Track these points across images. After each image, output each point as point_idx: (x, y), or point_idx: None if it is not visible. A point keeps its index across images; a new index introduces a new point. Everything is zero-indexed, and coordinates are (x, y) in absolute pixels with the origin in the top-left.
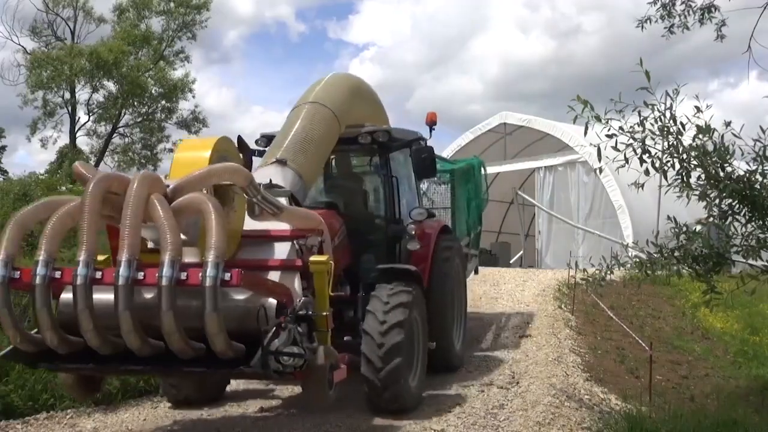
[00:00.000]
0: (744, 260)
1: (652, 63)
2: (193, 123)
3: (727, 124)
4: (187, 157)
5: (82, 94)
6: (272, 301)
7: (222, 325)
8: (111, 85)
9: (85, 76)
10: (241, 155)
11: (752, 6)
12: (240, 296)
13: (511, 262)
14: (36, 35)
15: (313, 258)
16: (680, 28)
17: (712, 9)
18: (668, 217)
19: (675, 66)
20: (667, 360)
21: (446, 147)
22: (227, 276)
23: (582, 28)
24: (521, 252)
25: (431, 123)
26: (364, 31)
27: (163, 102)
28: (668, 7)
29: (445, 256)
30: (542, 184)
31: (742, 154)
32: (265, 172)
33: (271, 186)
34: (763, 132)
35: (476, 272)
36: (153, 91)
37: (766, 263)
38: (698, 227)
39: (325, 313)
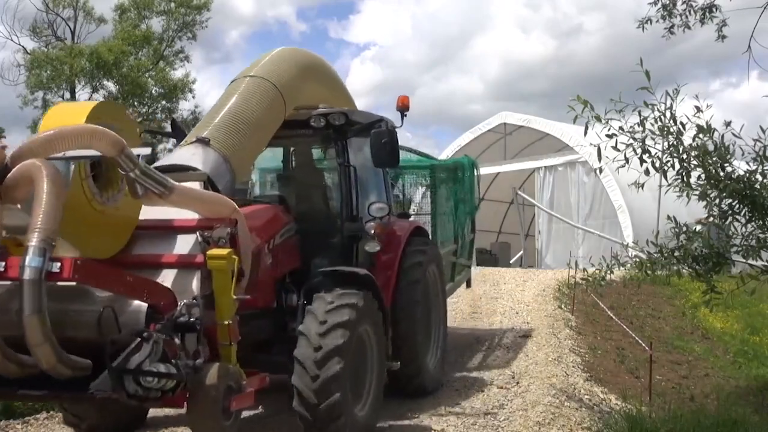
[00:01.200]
0: (744, 260)
1: (653, 63)
2: (194, 123)
3: (727, 124)
4: (54, 126)
5: (83, 94)
6: (138, 305)
7: (47, 332)
8: (111, 86)
9: (85, 77)
10: (147, 133)
11: (752, 6)
12: (94, 297)
13: (511, 262)
14: (36, 35)
15: (211, 252)
16: (681, 27)
17: (713, 9)
18: (668, 217)
19: (676, 66)
20: (667, 360)
21: (446, 147)
22: (55, 267)
23: (583, 27)
24: (521, 252)
25: (403, 108)
26: (364, 31)
27: (164, 102)
28: (669, 8)
29: (415, 262)
30: (542, 184)
31: (743, 154)
32: (180, 153)
33: (182, 168)
34: (763, 132)
35: (468, 285)
36: (153, 92)
37: (766, 263)
38: (698, 227)
39: (227, 322)
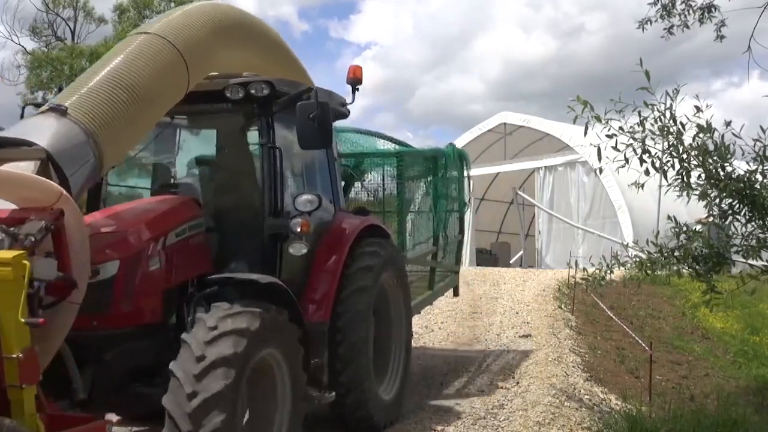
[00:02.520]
0: (744, 260)
1: (655, 62)
2: None
3: (728, 123)
4: None
5: None
6: None
7: None
8: None
9: None
10: None
11: (752, 6)
12: None
13: (511, 262)
14: (36, 35)
15: None
16: (680, 27)
17: (712, 9)
18: (668, 217)
19: (678, 65)
20: (667, 360)
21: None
22: None
23: (584, 27)
24: (521, 252)
25: (354, 80)
26: (366, 31)
27: None
28: (668, 8)
29: (363, 266)
30: (542, 184)
31: (743, 154)
32: (24, 124)
33: (15, 143)
34: (763, 132)
35: (456, 293)
36: None
37: (766, 263)
38: (698, 227)
39: (15, 355)
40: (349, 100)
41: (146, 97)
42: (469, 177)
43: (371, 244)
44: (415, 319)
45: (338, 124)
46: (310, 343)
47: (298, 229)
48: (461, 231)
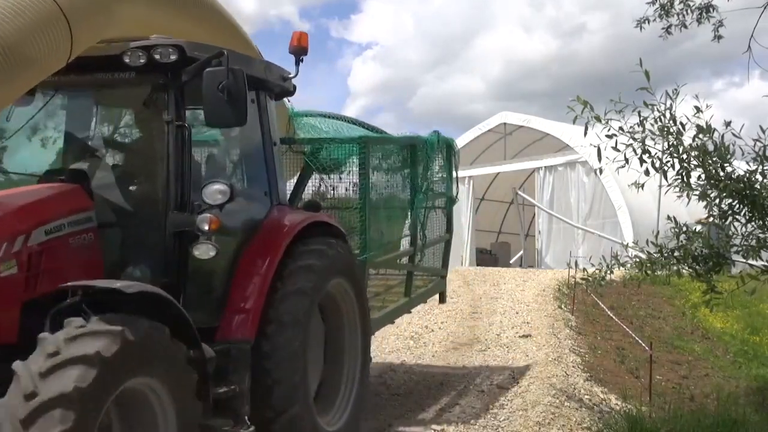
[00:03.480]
0: (744, 260)
1: (656, 62)
2: None
3: (727, 124)
4: None
5: None
6: None
7: None
8: None
9: None
10: None
11: (752, 6)
12: None
13: (511, 262)
14: None
15: None
16: (678, 27)
17: (710, 9)
18: (668, 217)
19: (680, 65)
20: (667, 360)
21: None
22: None
23: (586, 27)
24: (521, 252)
25: (298, 50)
26: (367, 30)
27: None
28: (666, 7)
29: (300, 266)
30: (542, 184)
31: (743, 154)
32: None
33: None
34: (763, 132)
35: (443, 300)
36: None
37: (766, 263)
38: (698, 227)
39: None
40: (293, 72)
41: (14, 61)
42: (456, 169)
43: (315, 244)
44: (415, 319)
45: (301, 106)
46: (227, 366)
47: (206, 227)
48: (449, 230)
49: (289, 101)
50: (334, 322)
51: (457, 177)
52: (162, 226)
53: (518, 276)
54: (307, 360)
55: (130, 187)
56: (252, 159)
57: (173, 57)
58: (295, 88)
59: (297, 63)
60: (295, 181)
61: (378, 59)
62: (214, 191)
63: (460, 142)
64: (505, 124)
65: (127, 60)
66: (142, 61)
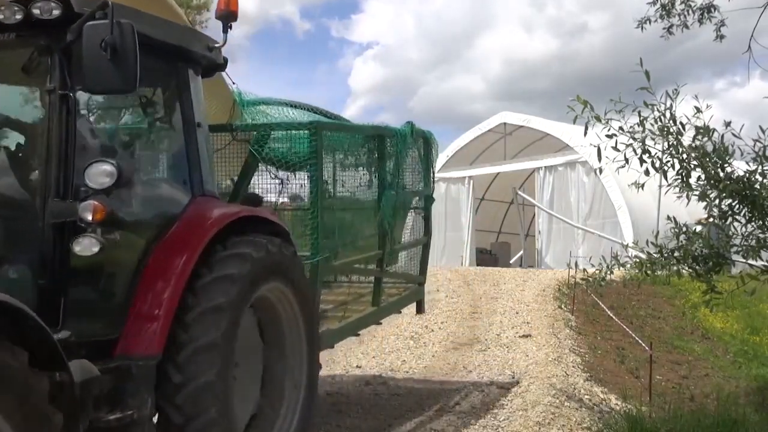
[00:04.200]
0: (744, 260)
1: (659, 62)
2: None
3: (727, 124)
4: None
5: None
6: None
7: None
8: None
9: None
10: None
11: (752, 6)
12: None
13: (511, 262)
14: None
15: None
16: (680, 27)
17: (712, 9)
18: (668, 217)
19: (682, 64)
20: (667, 360)
21: (446, 147)
22: None
23: (587, 26)
24: (521, 252)
25: (226, 15)
26: (368, 30)
27: None
28: (667, 8)
29: (221, 276)
30: (542, 184)
31: (742, 155)
32: None
33: None
34: (763, 132)
35: (420, 310)
36: None
37: (766, 263)
38: (698, 227)
39: None
40: (221, 41)
41: None
42: (433, 164)
43: (242, 244)
44: (415, 319)
45: (253, 90)
46: (125, 386)
47: (89, 216)
48: (427, 232)
49: (234, 84)
50: (272, 332)
51: (434, 174)
52: (41, 216)
53: (518, 276)
54: (230, 388)
55: (6, 170)
56: (169, 142)
57: (56, 12)
58: (226, 61)
59: (225, 30)
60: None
61: (379, 59)
62: (99, 173)
63: (460, 142)
64: (505, 124)
65: (0, 17)
66: (18, 17)
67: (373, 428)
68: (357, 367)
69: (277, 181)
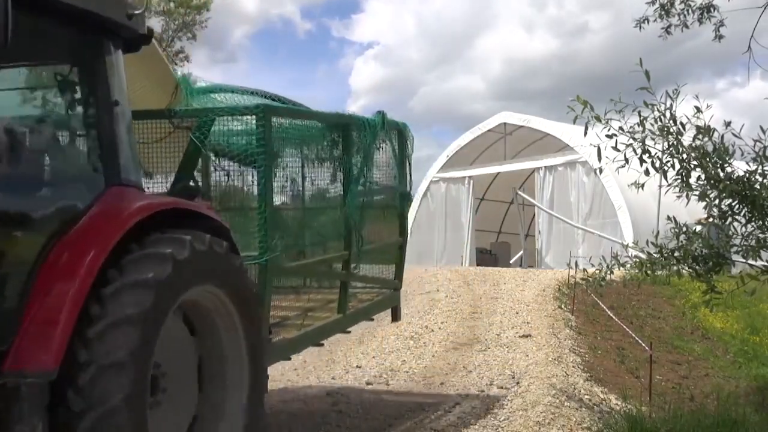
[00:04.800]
0: (744, 260)
1: (660, 61)
2: None
3: (727, 124)
4: None
5: None
6: None
7: None
8: None
9: None
10: None
11: (752, 6)
12: None
13: (511, 262)
14: None
15: None
16: (679, 27)
17: (711, 9)
18: (668, 217)
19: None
20: (667, 360)
21: (446, 147)
22: None
23: (588, 26)
24: (521, 252)
25: None
26: (368, 30)
27: None
28: (666, 7)
29: (132, 282)
30: (542, 184)
31: (742, 155)
32: None
33: None
34: (763, 132)
35: (396, 317)
36: None
37: (766, 263)
38: (698, 227)
39: None
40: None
41: None
42: (409, 159)
43: (162, 242)
44: (415, 319)
45: (198, 74)
46: (12, 408)
47: None
48: (402, 233)
49: (177, 65)
50: (208, 339)
51: (410, 169)
52: None
53: (518, 276)
54: (143, 415)
55: None
56: (79, 122)
57: None
58: (150, 32)
59: None
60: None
61: (379, 59)
62: None
63: (460, 142)
64: (505, 124)
65: None
66: None
67: (373, 428)
68: (357, 367)
69: (222, 173)
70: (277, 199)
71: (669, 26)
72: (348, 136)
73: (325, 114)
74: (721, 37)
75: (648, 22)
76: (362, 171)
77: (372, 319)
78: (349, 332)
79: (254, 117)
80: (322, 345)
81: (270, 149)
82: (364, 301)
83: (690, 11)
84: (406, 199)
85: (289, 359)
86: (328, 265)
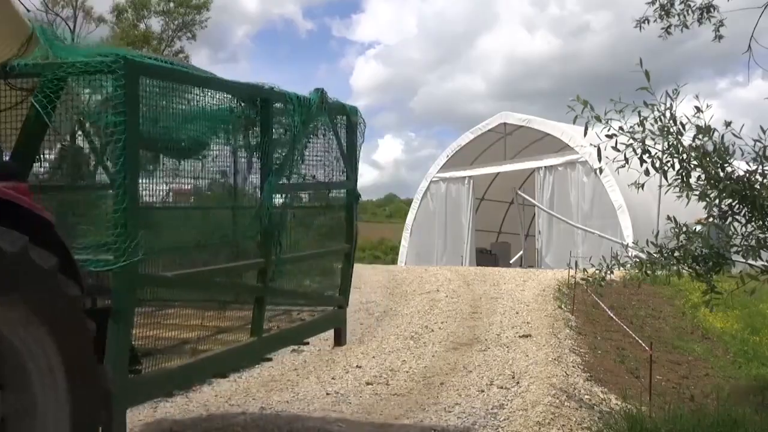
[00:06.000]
0: (744, 260)
1: (661, 61)
2: None
3: (727, 124)
4: None
5: None
6: None
7: None
8: None
9: None
10: None
11: (752, 6)
12: None
13: (511, 262)
14: None
15: None
16: (679, 27)
17: (711, 9)
18: (668, 217)
19: (684, 64)
20: (667, 360)
21: (446, 146)
22: None
23: (589, 26)
24: (521, 252)
25: None
26: (369, 30)
27: None
28: (666, 8)
29: None
30: (542, 184)
31: (742, 155)
32: None
33: None
34: (764, 132)
35: (339, 341)
36: None
37: (766, 263)
38: (698, 227)
39: None
40: None
41: None
42: (358, 146)
43: None
44: (415, 319)
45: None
46: None
47: None
48: (350, 239)
49: (49, 12)
50: (13, 395)
51: (358, 161)
52: None
53: (518, 276)
54: None
55: None
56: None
57: None
58: None
59: None
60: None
61: (380, 58)
62: None
63: (460, 141)
64: (505, 124)
65: None
66: None
67: (373, 428)
68: (357, 367)
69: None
70: (149, 189)
71: (669, 26)
72: (267, 115)
73: (232, 83)
74: (720, 37)
75: (648, 23)
76: (288, 161)
77: (303, 343)
78: (270, 359)
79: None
80: (227, 377)
81: (134, 121)
82: (292, 321)
83: (690, 11)
84: (353, 197)
85: (172, 395)
86: (236, 275)
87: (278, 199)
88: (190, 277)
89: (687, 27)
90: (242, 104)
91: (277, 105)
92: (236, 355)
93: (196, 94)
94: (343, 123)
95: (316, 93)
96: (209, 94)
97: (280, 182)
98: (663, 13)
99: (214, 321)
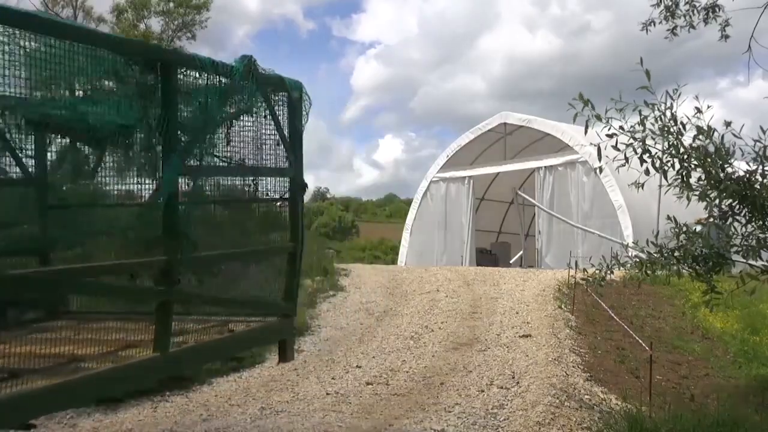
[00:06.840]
0: (744, 260)
1: (662, 61)
2: None
3: (728, 124)
4: None
5: None
6: None
7: None
8: None
9: None
10: None
11: (753, 6)
12: None
13: (511, 262)
14: None
15: None
16: (685, 27)
17: (716, 9)
18: (668, 217)
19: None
20: (667, 360)
21: (447, 146)
22: None
23: (590, 26)
24: (521, 252)
25: None
26: (370, 30)
27: None
28: (671, 9)
29: None
30: (542, 184)
31: (743, 155)
32: None
33: None
34: (764, 132)
35: (285, 357)
36: None
37: (766, 263)
38: (698, 227)
39: None
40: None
41: None
42: (301, 132)
43: None
44: (415, 319)
45: None
46: None
47: None
48: (294, 237)
49: None
50: None
51: (301, 146)
52: None
53: (518, 276)
54: None
55: None
56: None
57: None
58: None
59: None
60: None
61: (380, 58)
62: None
63: (460, 141)
64: (505, 124)
65: None
66: None
67: (373, 428)
68: (357, 367)
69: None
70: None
71: (674, 27)
72: (168, 83)
73: (122, 40)
74: (727, 36)
75: (654, 25)
76: (200, 139)
77: (238, 359)
78: (187, 378)
79: None
80: (121, 400)
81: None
82: (219, 333)
83: (695, 11)
84: (296, 187)
85: (33, 426)
86: (126, 275)
87: (186, 186)
88: (42, 275)
89: (693, 27)
90: (136, 68)
91: (188, 72)
92: (132, 373)
93: (72, 48)
94: (284, 100)
95: (241, 61)
96: (88, 50)
97: (189, 164)
98: (668, 14)
99: (95, 333)
